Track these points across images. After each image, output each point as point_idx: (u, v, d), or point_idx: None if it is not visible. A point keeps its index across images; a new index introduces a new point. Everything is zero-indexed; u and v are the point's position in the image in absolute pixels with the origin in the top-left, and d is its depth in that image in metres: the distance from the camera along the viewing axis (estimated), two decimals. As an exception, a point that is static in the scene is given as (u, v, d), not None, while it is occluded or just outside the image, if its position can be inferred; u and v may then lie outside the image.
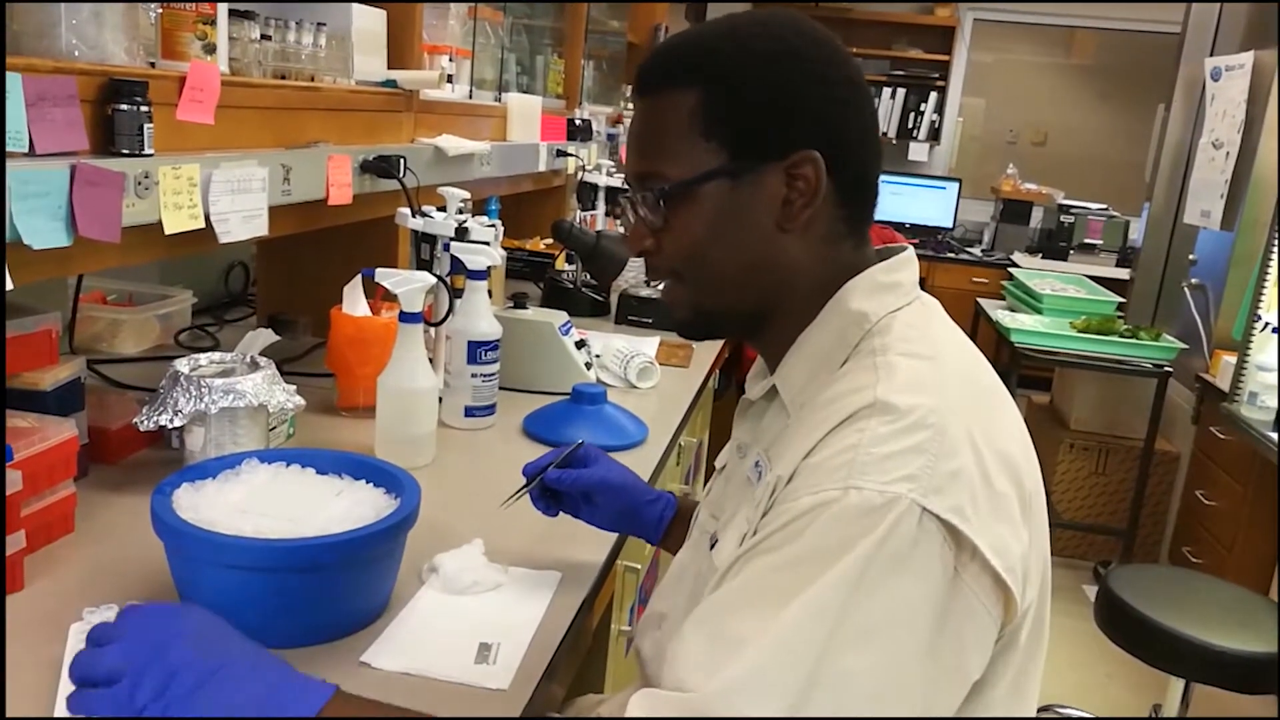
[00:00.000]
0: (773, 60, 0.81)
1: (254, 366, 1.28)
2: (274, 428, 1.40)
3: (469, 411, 1.55)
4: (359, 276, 1.50)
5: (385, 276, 1.37)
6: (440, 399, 1.56)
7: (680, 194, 0.82)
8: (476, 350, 1.52)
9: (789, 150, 0.80)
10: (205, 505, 0.94)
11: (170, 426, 1.19)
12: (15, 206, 0.95)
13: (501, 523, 1.23)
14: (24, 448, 1.01)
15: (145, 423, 1.19)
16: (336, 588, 0.91)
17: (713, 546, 0.83)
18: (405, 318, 1.37)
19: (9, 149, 0.97)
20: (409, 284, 1.35)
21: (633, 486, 1.13)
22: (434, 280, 1.37)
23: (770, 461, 0.78)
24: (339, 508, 0.97)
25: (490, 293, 1.66)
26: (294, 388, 1.46)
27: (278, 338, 1.45)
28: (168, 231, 1.16)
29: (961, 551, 0.68)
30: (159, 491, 0.94)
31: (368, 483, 1.05)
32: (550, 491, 1.13)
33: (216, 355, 1.30)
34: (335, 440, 1.48)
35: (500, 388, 1.68)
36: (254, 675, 0.65)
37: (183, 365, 1.23)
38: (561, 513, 1.15)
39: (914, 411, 0.70)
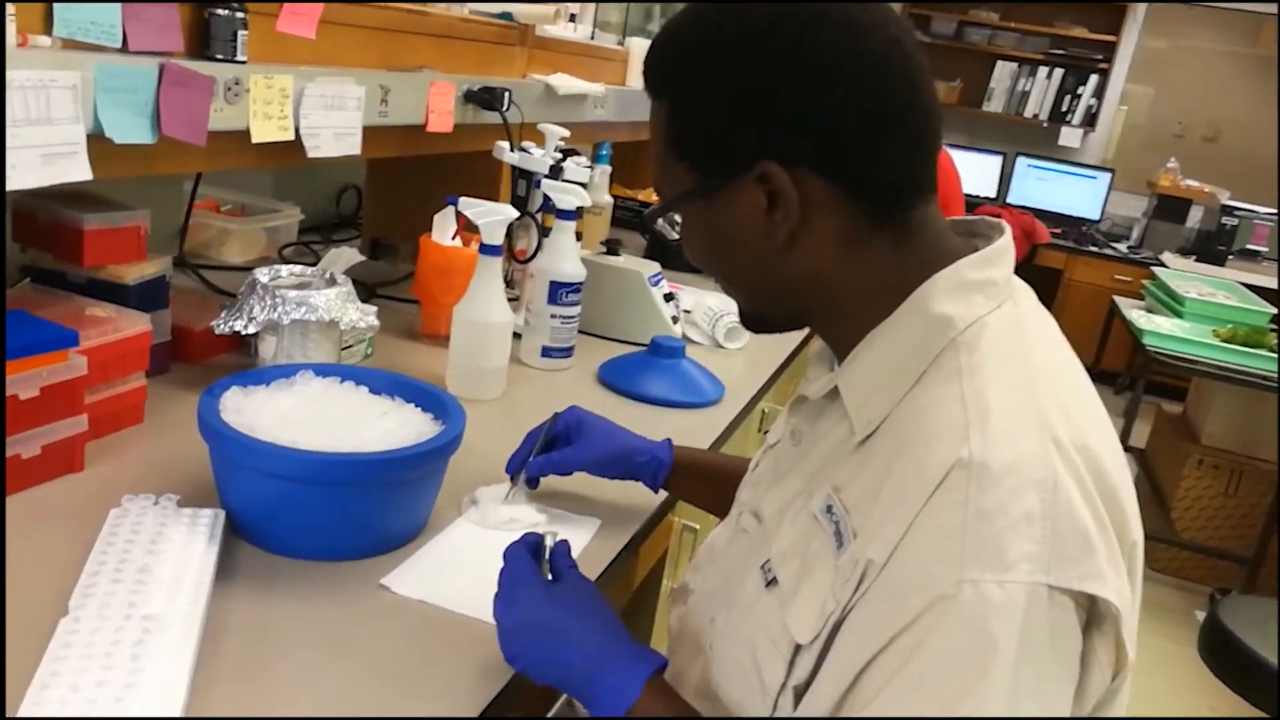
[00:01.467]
0: (718, 57, 0.72)
1: (331, 283, 1.29)
2: (350, 346, 1.42)
3: (546, 352, 1.53)
4: (450, 206, 1.49)
5: (468, 206, 1.36)
6: (520, 336, 1.55)
7: (671, 213, 0.79)
8: (558, 291, 1.50)
9: (750, 163, 0.71)
10: (251, 410, 0.94)
11: (243, 333, 1.21)
12: (100, 99, 0.97)
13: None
14: (95, 336, 1.04)
15: (221, 326, 1.21)
16: (363, 506, 0.91)
17: (769, 583, 0.74)
18: (485, 250, 1.35)
19: (101, 41, 0.99)
20: (490, 216, 1.33)
21: (617, 455, 1.09)
22: (515, 214, 1.35)
23: (847, 511, 0.68)
24: (381, 428, 0.97)
25: (580, 235, 1.64)
26: (374, 309, 1.47)
27: (362, 258, 1.46)
28: (254, 140, 1.17)
29: (1094, 616, 0.62)
30: (209, 392, 0.95)
31: (417, 407, 1.04)
32: None
33: (298, 269, 1.31)
34: (410, 365, 1.48)
35: (582, 331, 1.66)
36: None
37: (262, 275, 1.25)
38: None
39: (1015, 470, 0.61)
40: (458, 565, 0.94)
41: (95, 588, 0.76)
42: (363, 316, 1.28)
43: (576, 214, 1.51)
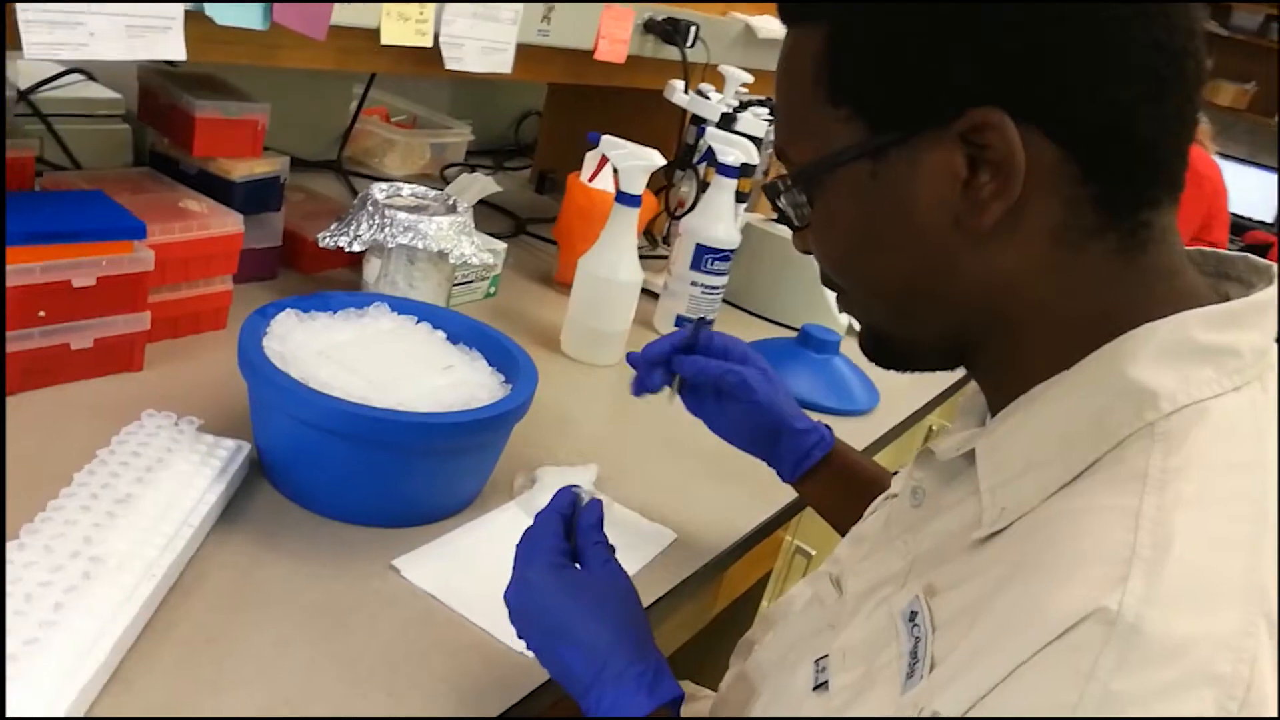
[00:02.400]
0: None
1: (450, 210, 1.18)
2: (469, 281, 1.31)
3: (680, 321, 1.37)
4: (593, 142, 1.34)
5: (611, 146, 1.20)
6: (657, 297, 1.40)
7: (808, 183, 0.57)
8: (703, 256, 1.33)
9: (957, 106, 0.49)
10: (298, 339, 0.84)
11: (347, 249, 1.12)
12: (203, -28, 0.88)
13: (642, 455, 1.05)
14: (178, 231, 0.97)
15: (326, 239, 1.13)
16: (386, 470, 0.79)
17: (819, 686, 0.56)
18: (621, 198, 1.20)
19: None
20: (631, 160, 1.18)
21: (780, 405, 0.86)
22: (660, 162, 1.19)
23: (934, 629, 0.49)
24: (437, 383, 0.84)
25: (747, 196, 1.45)
26: (501, 246, 1.37)
27: (498, 188, 1.35)
28: (383, 41, 1.05)
29: None
30: (259, 312, 0.85)
31: (490, 364, 0.91)
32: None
33: (421, 190, 1.21)
34: (531, 314, 1.36)
35: (729, 302, 1.49)
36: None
37: (378, 191, 1.15)
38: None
39: (1188, 650, 0.40)
40: (486, 561, 0.81)
41: (61, 512, 0.67)
42: (477, 252, 1.16)
43: (739, 171, 1.33)
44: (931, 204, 0.52)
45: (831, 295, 0.63)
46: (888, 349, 0.62)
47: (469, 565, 0.80)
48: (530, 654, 0.66)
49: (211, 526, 0.76)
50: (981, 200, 0.50)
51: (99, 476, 0.72)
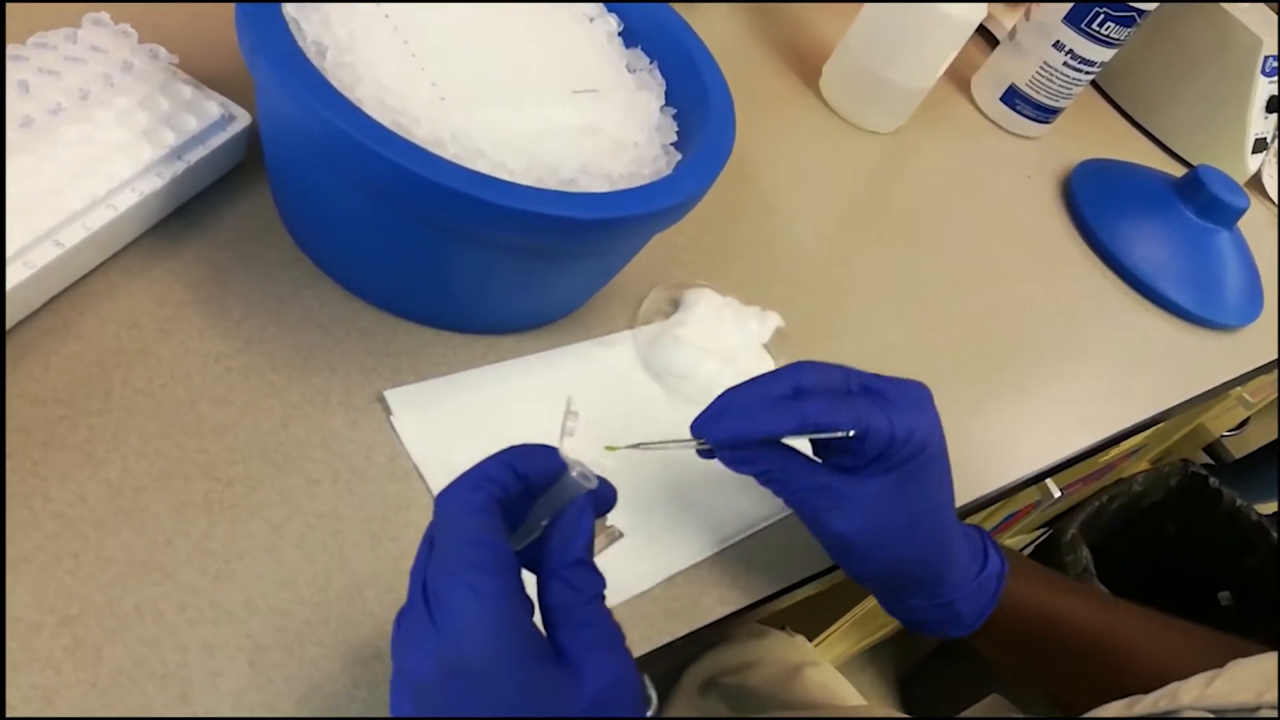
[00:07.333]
0: None
1: None
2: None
3: (1010, 97, 0.91)
4: None
5: None
6: (991, 45, 0.93)
7: None
8: (1089, 10, 0.83)
9: None
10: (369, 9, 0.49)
11: None
12: None
13: (868, 312, 0.68)
14: None
15: None
16: (385, 230, 0.46)
17: None
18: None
19: None
20: None
21: (913, 558, 0.44)
22: None
23: None
24: (544, 121, 0.48)
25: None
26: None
27: None
28: None
29: None
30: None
31: (667, 99, 0.54)
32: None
33: None
34: (805, 17, 0.93)
35: (1101, 90, 1.00)
36: None
37: None
38: None
39: None
40: (524, 423, 0.49)
41: None
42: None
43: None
44: None
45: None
46: None
47: (486, 430, 0.48)
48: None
49: (136, 237, 0.47)
50: None
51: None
